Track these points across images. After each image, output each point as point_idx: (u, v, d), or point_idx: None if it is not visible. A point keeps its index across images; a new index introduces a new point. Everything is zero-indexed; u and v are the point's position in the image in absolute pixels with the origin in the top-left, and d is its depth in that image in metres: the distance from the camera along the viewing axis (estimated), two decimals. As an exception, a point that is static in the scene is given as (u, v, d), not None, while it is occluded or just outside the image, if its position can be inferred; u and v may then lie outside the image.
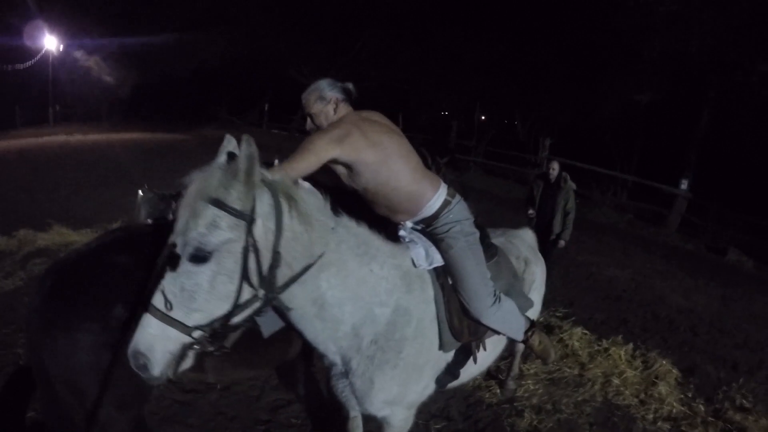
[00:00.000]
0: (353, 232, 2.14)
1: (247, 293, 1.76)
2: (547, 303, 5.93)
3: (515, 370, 4.19)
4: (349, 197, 2.84)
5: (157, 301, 1.69)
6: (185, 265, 1.68)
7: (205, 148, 17.44)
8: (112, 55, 22.72)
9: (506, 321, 2.54)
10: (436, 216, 2.38)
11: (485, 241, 2.64)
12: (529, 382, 4.33)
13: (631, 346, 5.01)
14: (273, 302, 1.94)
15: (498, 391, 4.20)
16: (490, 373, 4.32)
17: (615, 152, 18.35)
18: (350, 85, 2.53)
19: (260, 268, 1.77)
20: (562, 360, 4.69)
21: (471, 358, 2.57)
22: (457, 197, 2.44)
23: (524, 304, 2.78)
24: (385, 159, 2.24)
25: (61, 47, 22.89)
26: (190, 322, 1.70)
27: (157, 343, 1.67)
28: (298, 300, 2.00)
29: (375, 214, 2.44)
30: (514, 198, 13.64)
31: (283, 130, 25.16)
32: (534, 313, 3.14)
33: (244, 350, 2.72)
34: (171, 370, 1.73)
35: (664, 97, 15.06)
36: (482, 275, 2.41)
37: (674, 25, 11.95)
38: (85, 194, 10.34)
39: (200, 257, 1.68)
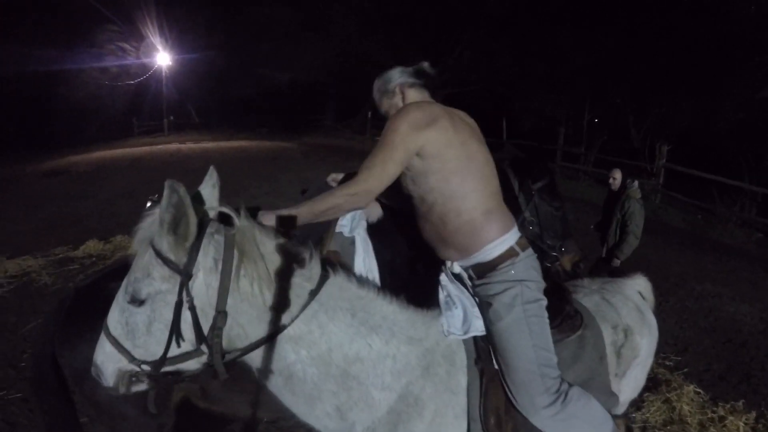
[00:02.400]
0: (347, 296, 1.67)
1: (186, 346, 1.52)
2: (658, 346, 5.09)
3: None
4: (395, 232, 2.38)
5: (112, 324, 1.55)
6: (125, 303, 1.53)
7: (308, 156, 17.73)
8: (217, 68, 23.86)
9: (573, 427, 1.83)
10: (493, 266, 1.80)
11: (564, 310, 2.00)
12: (622, 453, 3.59)
13: (753, 415, 4.04)
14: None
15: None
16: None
17: (742, 159, 16.32)
18: (425, 65, 2.02)
19: (198, 327, 1.49)
20: (665, 427, 3.85)
21: None
22: (529, 251, 1.85)
23: (606, 400, 2.03)
24: (463, 167, 1.76)
25: (171, 62, 24.52)
26: (135, 355, 1.54)
27: (108, 361, 1.56)
28: (258, 364, 1.65)
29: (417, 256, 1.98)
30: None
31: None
32: (630, 395, 2.42)
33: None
34: (124, 387, 1.61)
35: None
36: (540, 361, 1.77)
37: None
38: (185, 202, 10.68)
39: (135, 300, 1.50)
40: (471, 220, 1.79)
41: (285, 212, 1.71)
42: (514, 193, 2.73)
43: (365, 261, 2.37)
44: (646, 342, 2.39)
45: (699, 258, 8.76)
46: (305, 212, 1.73)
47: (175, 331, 1.49)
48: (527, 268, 1.82)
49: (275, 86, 24.26)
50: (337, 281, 1.67)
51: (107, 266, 2.75)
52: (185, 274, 1.46)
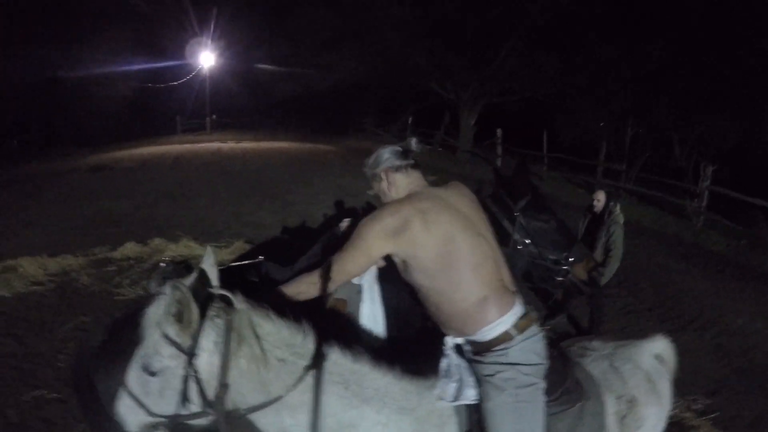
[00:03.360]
0: (341, 370, 1.79)
1: (194, 408, 1.71)
2: (686, 387, 4.93)
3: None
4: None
5: (131, 383, 1.73)
6: (139, 370, 1.71)
7: (347, 160, 17.83)
8: (260, 68, 24.29)
9: None
10: (487, 347, 1.82)
11: (563, 384, 1.95)
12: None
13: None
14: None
15: None
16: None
17: (790, 181, 15.65)
18: (413, 143, 2.02)
19: (204, 395, 1.68)
20: (688, 479, 3.74)
21: None
22: (530, 331, 1.83)
23: None
24: (446, 264, 1.78)
25: (214, 63, 25.11)
26: (153, 410, 1.71)
27: (129, 413, 1.74)
28: (260, 425, 1.80)
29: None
30: (669, 234, 12.12)
31: (427, 143, 24.31)
32: None
33: None
34: None
35: None
36: None
37: None
38: (221, 205, 10.95)
39: (148, 371, 1.69)
40: (464, 309, 1.82)
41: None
42: (500, 222, 2.68)
43: (371, 309, 2.42)
44: (653, 412, 2.34)
45: (740, 288, 8.44)
46: (281, 296, 1.97)
47: (184, 399, 1.70)
48: (524, 351, 1.81)
49: (317, 89, 24.54)
50: (331, 357, 1.80)
51: (141, 300, 2.85)
52: (190, 354, 1.66)
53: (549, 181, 16.97)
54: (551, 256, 2.66)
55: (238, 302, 1.72)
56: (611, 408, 2.15)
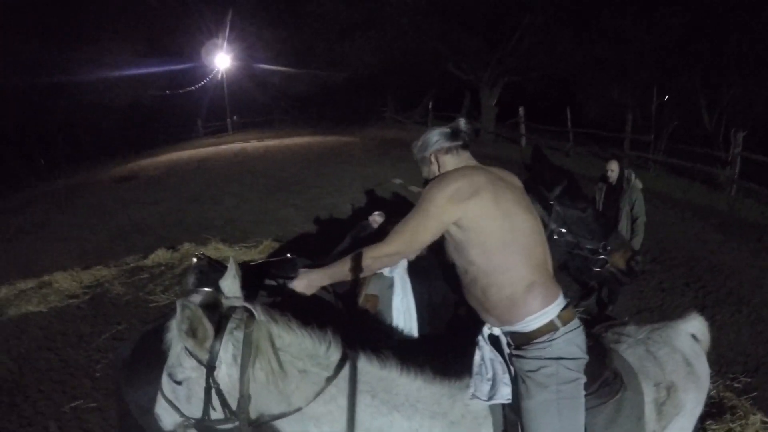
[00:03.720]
0: (367, 378, 1.75)
1: (219, 415, 1.74)
2: (725, 364, 4.82)
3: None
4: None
5: (164, 387, 1.81)
6: (168, 378, 1.78)
7: (370, 150, 17.75)
8: (276, 68, 24.35)
9: None
10: (529, 339, 1.76)
11: (602, 376, 1.88)
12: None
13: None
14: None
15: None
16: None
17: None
18: (461, 124, 1.98)
19: (227, 405, 1.70)
20: (728, 461, 3.61)
21: None
22: (572, 325, 1.76)
23: None
24: (506, 241, 1.73)
25: (231, 64, 25.26)
26: (184, 412, 1.77)
27: (165, 413, 1.83)
28: None
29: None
30: (701, 205, 11.76)
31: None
32: None
33: None
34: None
35: None
36: None
37: None
38: (248, 206, 11.04)
39: (174, 380, 1.75)
40: (512, 294, 1.76)
41: (318, 274, 1.98)
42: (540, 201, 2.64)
43: (403, 301, 2.41)
44: (691, 397, 2.24)
45: (777, 259, 8.16)
46: (337, 272, 1.96)
47: (208, 408, 1.73)
48: (567, 344, 1.75)
49: (334, 81, 24.52)
50: (357, 365, 1.76)
51: (168, 313, 2.92)
52: (209, 367, 1.67)
53: (575, 157, 16.67)
54: (588, 246, 2.60)
55: (259, 313, 1.69)
56: (650, 396, 2.05)
